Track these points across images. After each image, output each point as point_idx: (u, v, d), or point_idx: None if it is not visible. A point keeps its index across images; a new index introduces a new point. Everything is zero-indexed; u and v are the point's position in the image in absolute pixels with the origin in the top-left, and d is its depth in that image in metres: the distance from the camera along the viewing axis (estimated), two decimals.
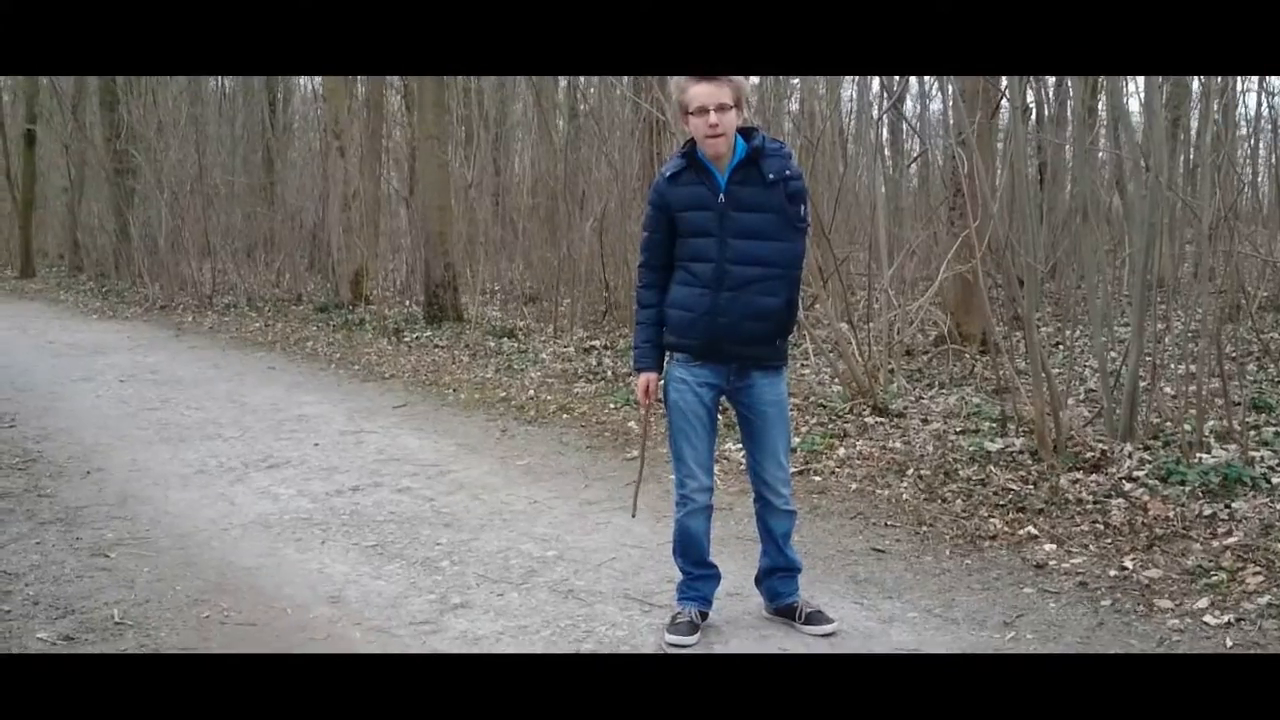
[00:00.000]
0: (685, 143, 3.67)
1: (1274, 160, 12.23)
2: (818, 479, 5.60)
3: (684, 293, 3.64)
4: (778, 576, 3.82)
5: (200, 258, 16.65)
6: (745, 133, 3.58)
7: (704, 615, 3.77)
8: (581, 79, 14.14)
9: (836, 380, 7.59)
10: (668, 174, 3.63)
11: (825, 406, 7.00)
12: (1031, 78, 8.92)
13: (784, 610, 3.81)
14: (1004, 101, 8.57)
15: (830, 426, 6.54)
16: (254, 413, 7.71)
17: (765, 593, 3.87)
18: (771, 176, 3.52)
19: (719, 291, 3.55)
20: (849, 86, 13.26)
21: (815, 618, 3.73)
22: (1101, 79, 8.81)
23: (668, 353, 3.78)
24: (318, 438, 6.87)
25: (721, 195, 3.52)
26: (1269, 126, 13.32)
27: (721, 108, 3.44)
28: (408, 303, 14.36)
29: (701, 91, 3.46)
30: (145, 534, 4.91)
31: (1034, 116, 13.14)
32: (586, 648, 3.63)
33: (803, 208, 3.55)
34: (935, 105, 13.63)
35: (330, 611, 3.97)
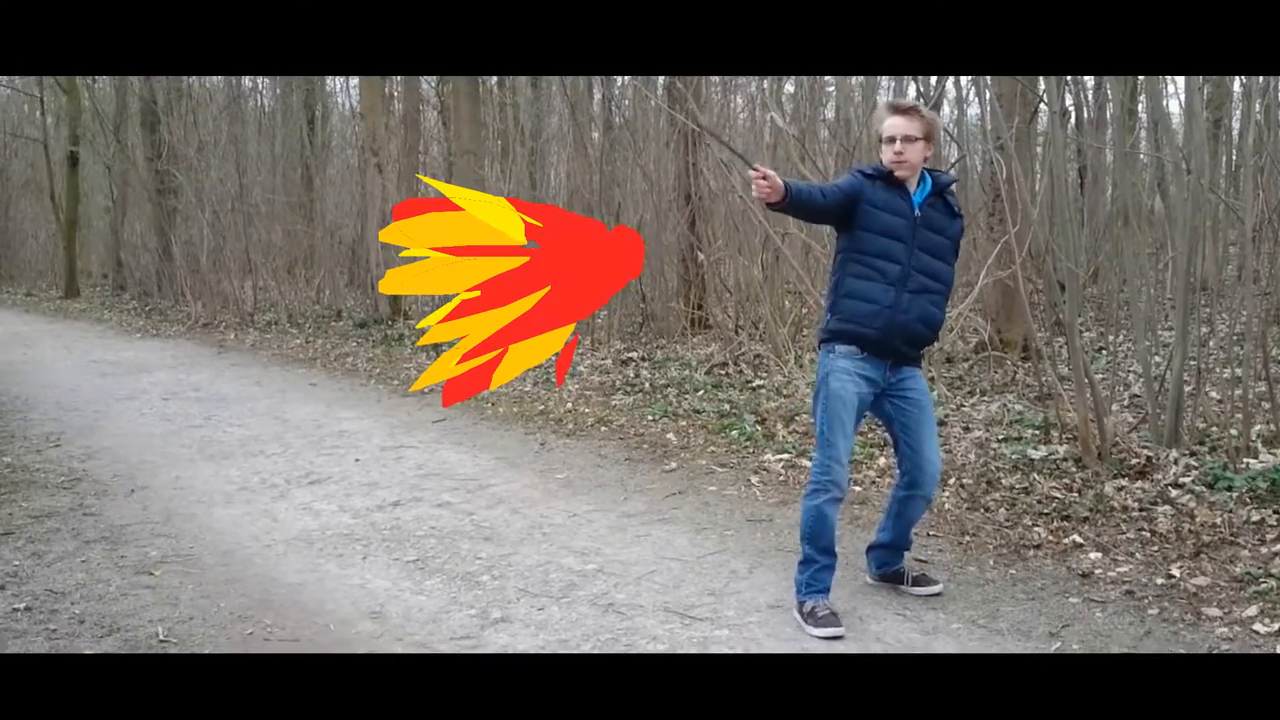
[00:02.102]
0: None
1: None
2: (858, 489, 5.56)
3: (867, 287, 3.86)
4: (891, 550, 4.19)
5: (241, 275, 16.82)
6: (929, 172, 3.93)
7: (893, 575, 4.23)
8: (616, 89, 14.16)
9: None
10: (867, 172, 3.90)
11: (865, 416, 6.94)
12: (1070, 81, 8.84)
13: (891, 576, 4.21)
14: (1042, 105, 8.49)
15: (870, 436, 6.49)
16: (296, 429, 7.77)
17: (873, 560, 4.25)
18: (957, 209, 3.99)
19: (903, 290, 3.83)
20: (885, 93, 13.18)
21: (922, 580, 4.15)
22: (1140, 81, 8.71)
23: (832, 345, 3.93)
24: (358, 453, 6.92)
25: (916, 211, 3.86)
26: None
27: (907, 139, 3.79)
28: None
29: (894, 123, 3.82)
30: (189, 551, 4.95)
31: (1073, 120, 13.00)
32: None
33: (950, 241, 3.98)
34: (973, 110, 13.53)
35: (372, 627, 3.99)
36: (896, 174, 3.84)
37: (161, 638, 3.89)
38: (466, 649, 3.76)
